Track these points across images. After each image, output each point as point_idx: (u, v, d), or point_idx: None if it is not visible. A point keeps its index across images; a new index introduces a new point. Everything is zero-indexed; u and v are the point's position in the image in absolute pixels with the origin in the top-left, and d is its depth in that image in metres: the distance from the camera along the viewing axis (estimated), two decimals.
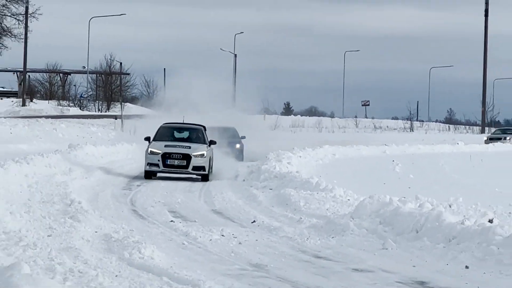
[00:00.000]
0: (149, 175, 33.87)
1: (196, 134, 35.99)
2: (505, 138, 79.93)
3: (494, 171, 41.69)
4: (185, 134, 36.39)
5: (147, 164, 33.83)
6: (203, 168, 33.89)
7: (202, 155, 34.00)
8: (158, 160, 33.67)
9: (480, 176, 37.60)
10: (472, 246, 17.02)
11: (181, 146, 34.47)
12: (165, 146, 34.17)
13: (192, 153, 33.87)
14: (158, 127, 36.45)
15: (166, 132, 36.11)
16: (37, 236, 17.81)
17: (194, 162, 33.74)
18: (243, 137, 44.94)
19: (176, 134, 36.44)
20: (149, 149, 34.00)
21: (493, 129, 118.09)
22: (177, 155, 33.87)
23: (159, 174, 34.46)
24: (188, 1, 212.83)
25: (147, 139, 34.89)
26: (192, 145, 34.60)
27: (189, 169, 33.89)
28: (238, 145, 41.97)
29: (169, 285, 13.53)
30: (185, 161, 33.72)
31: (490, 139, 79.59)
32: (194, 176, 34.33)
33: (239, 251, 17.83)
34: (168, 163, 33.75)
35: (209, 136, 36.40)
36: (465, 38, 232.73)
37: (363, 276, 15.36)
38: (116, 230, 19.52)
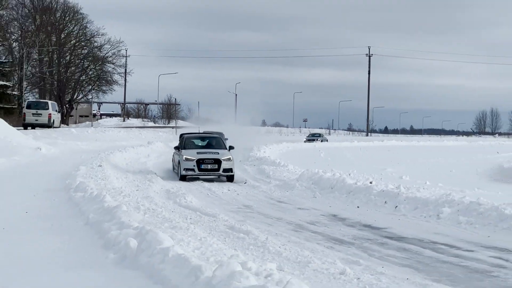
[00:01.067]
0: (183, 178, 22.97)
1: (217, 141, 25.36)
2: (316, 139, 69.94)
3: (374, 157, 41.70)
4: (209, 142, 25.36)
5: (184, 169, 23.04)
6: (230, 170, 23.22)
7: (229, 159, 23.33)
8: (194, 166, 23.02)
9: (365, 159, 37.60)
10: (361, 195, 17.07)
11: (211, 152, 23.73)
12: (198, 153, 23.55)
13: (221, 157, 23.26)
14: (182, 136, 26.03)
15: (193, 141, 25.20)
16: (130, 190, 17.82)
17: (224, 165, 23.14)
18: (226, 139, 40.61)
19: (202, 143, 25.32)
20: (184, 157, 23.30)
21: (373, 134, 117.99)
22: (209, 160, 23.16)
23: (188, 178, 23.29)
24: (210, 66, 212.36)
25: (177, 148, 24.78)
26: (219, 151, 23.93)
27: (220, 171, 23.10)
28: None
29: (200, 216, 13.54)
30: (216, 165, 23.10)
31: (308, 140, 70.24)
32: (220, 177, 23.82)
33: (237, 198, 17.85)
34: (203, 167, 23.07)
35: None
36: (357, 85, 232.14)
37: (303, 212, 15.37)
38: (172, 187, 19.54)
